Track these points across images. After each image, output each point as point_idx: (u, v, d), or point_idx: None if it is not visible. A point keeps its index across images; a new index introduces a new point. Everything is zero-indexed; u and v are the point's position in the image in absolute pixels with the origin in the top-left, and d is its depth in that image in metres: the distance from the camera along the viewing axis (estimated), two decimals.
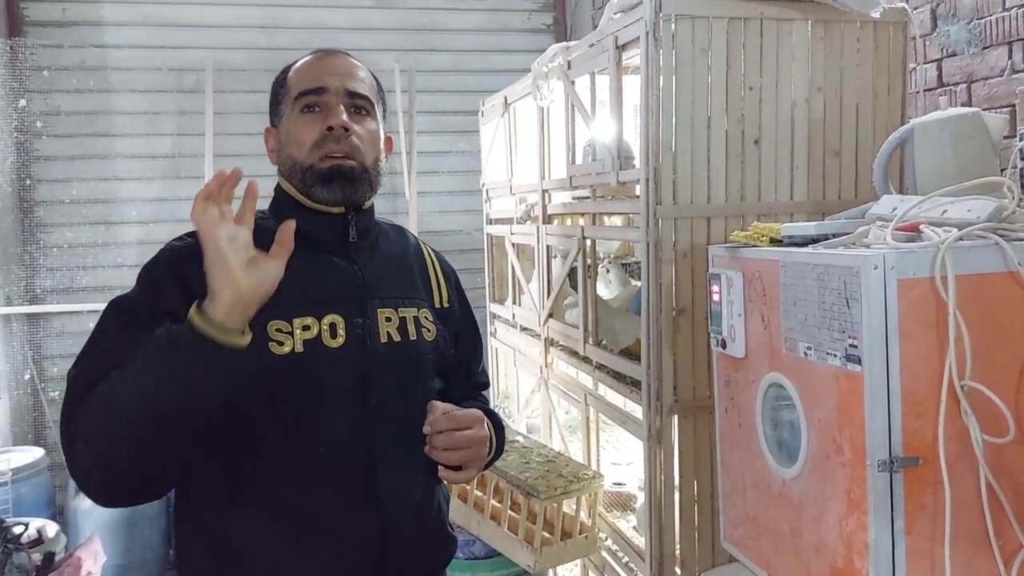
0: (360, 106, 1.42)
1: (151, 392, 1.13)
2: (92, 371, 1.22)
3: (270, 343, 1.30)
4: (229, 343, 1.13)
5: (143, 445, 1.16)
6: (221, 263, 1.13)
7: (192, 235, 1.36)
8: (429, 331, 1.47)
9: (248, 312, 1.15)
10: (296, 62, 1.47)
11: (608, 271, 3.18)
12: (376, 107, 1.46)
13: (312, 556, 1.33)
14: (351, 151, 1.38)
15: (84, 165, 4.61)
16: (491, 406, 1.68)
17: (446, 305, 1.56)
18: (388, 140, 1.52)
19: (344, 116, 1.38)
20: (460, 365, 1.60)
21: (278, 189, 1.47)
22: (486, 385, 1.71)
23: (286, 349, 1.31)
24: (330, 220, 1.42)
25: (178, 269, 1.31)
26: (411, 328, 1.44)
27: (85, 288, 4.60)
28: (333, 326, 1.35)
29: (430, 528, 1.49)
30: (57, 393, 4.55)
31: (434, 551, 1.51)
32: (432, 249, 1.63)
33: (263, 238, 1.35)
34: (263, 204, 1.47)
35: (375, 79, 1.50)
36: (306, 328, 1.33)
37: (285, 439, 1.32)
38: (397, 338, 1.41)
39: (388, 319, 1.42)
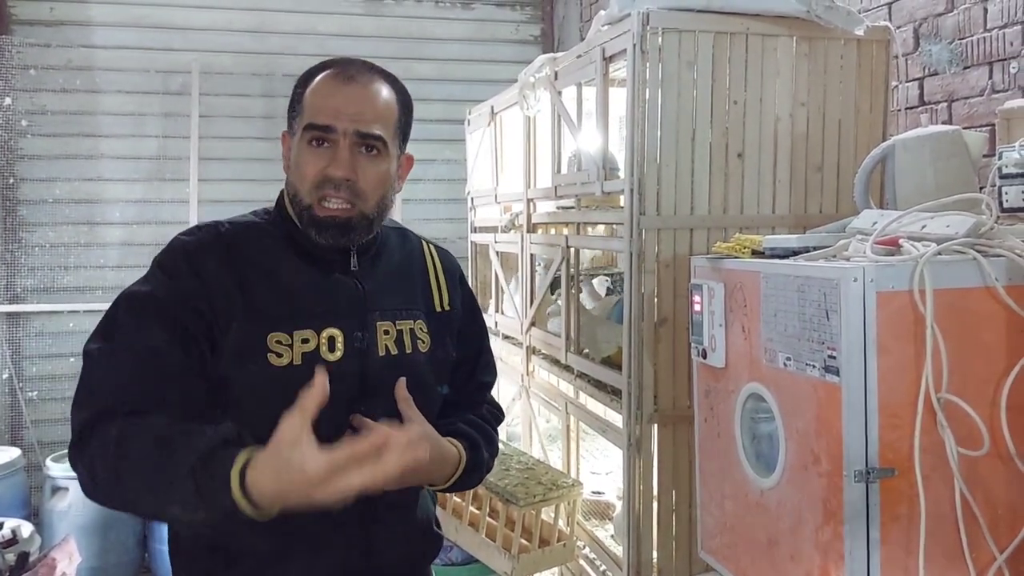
0: (371, 145, 1.35)
1: (165, 512, 1.22)
2: (106, 369, 1.26)
3: (269, 355, 1.31)
4: (258, 516, 1.14)
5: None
6: (315, 490, 1.11)
7: (203, 228, 1.39)
8: (424, 343, 1.46)
9: None
10: (317, 75, 1.38)
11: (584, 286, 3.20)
12: (391, 144, 1.38)
13: (296, 558, 1.35)
14: (351, 199, 1.34)
15: (68, 165, 4.57)
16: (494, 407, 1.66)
17: (447, 308, 1.53)
18: (408, 160, 1.47)
19: (347, 167, 1.32)
20: (462, 364, 1.57)
21: (281, 202, 1.43)
22: (489, 385, 1.67)
23: (284, 361, 1.31)
24: (332, 248, 1.39)
25: (194, 260, 1.33)
26: (407, 340, 1.43)
27: (66, 288, 4.56)
28: (332, 340, 1.35)
29: (415, 530, 1.49)
30: (35, 393, 4.52)
31: (419, 552, 1.52)
32: (435, 247, 1.59)
33: (268, 245, 1.39)
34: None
35: (400, 99, 1.41)
36: (305, 341, 1.33)
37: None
38: (394, 351, 1.41)
39: (387, 332, 1.41)
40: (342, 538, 1.37)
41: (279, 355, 1.31)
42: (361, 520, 1.38)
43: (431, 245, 1.59)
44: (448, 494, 2.86)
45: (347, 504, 1.35)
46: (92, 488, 1.23)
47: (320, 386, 1.14)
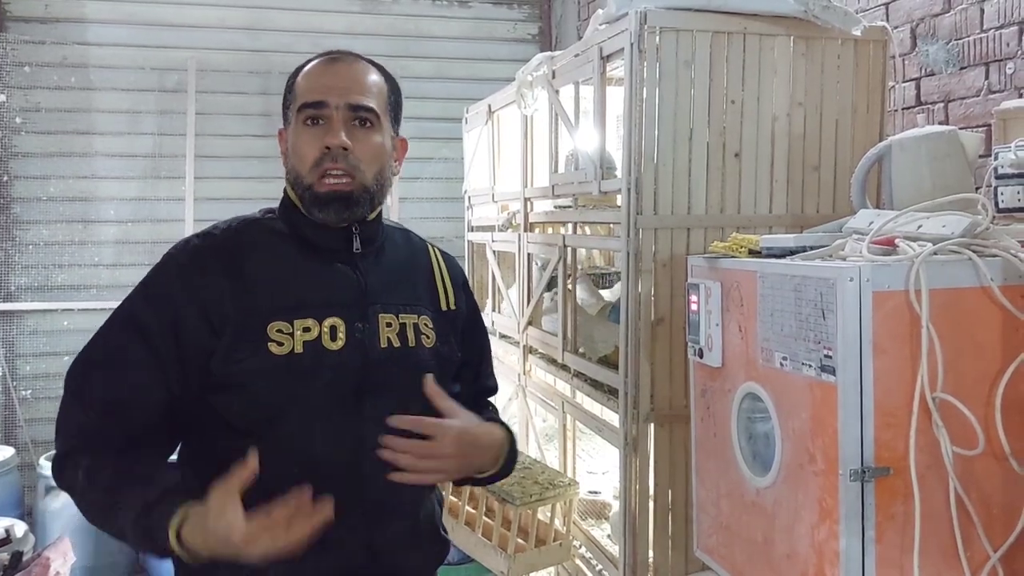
0: (363, 118, 1.38)
1: (119, 535, 1.30)
2: (80, 408, 1.32)
3: (269, 343, 1.31)
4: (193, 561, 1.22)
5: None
6: (233, 547, 1.17)
7: (198, 237, 1.40)
8: (428, 338, 1.46)
9: None
10: (305, 65, 1.43)
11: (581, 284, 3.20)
12: (383, 117, 1.41)
13: (302, 559, 1.31)
14: (350, 170, 1.35)
15: (63, 162, 4.56)
16: (499, 414, 1.66)
17: (452, 307, 1.54)
18: (402, 143, 1.49)
19: (343, 135, 1.35)
20: (466, 366, 1.58)
21: (285, 196, 1.45)
22: (493, 390, 1.68)
23: (285, 350, 1.31)
24: (335, 232, 1.41)
25: (186, 275, 1.34)
26: (411, 334, 1.43)
27: (60, 286, 4.55)
28: (333, 329, 1.35)
29: (420, 532, 1.48)
30: (29, 392, 4.51)
31: (425, 555, 1.51)
32: (439, 251, 1.60)
33: (269, 240, 1.41)
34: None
35: (388, 81, 1.45)
36: (306, 330, 1.33)
37: (277, 439, 1.32)
38: (397, 343, 1.41)
39: (389, 324, 1.41)
40: (349, 539, 1.35)
41: (279, 344, 1.31)
42: (367, 522, 1.37)
43: (436, 248, 1.60)
44: (444, 492, 2.86)
45: (354, 505, 1.34)
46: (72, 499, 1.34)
47: (251, 465, 1.19)
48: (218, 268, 1.34)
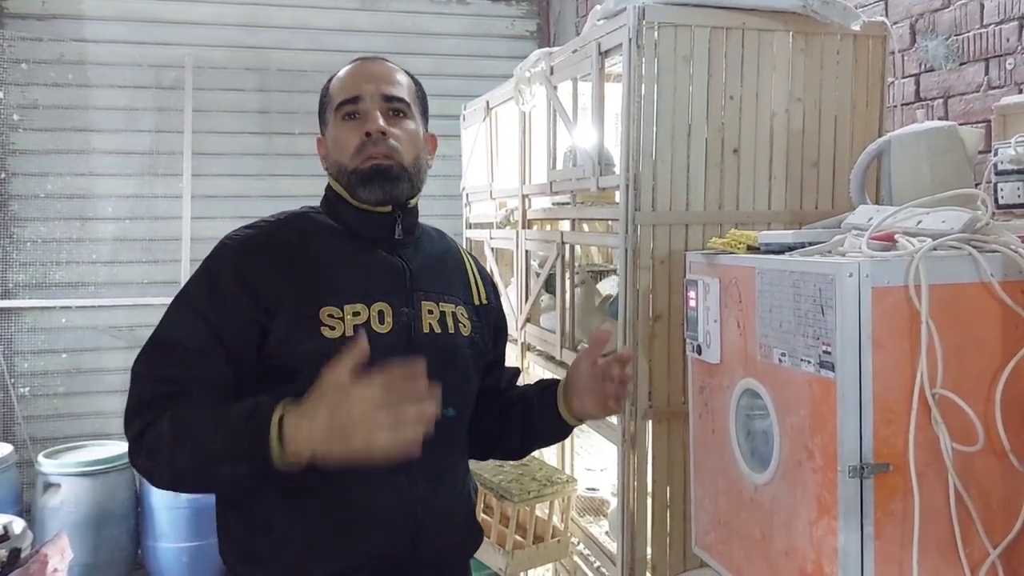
0: (397, 108, 1.49)
1: (214, 475, 1.28)
2: (153, 368, 1.34)
3: (322, 327, 1.36)
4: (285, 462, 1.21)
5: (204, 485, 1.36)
6: (348, 432, 1.16)
7: (248, 227, 1.47)
8: (465, 327, 1.53)
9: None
10: (337, 72, 1.54)
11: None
12: (414, 107, 1.53)
13: (350, 537, 1.37)
14: (390, 152, 1.46)
15: (60, 160, 4.57)
16: None
17: (485, 302, 1.63)
18: (432, 138, 1.62)
19: (380, 121, 1.45)
20: (502, 357, 1.69)
21: (329, 190, 1.55)
22: (519, 372, 1.83)
23: (337, 334, 1.36)
24: (379, 219, 1.50)
25: (240, 258, 1.40)
26: (450, 322, 1.50)
27: (58, 283, 4.55)
28: (381, 313, 1.42)
29: (461, 514, 1.54)
30: (27, 389, 4.51)
31: (464, 538, 1.56)
32: (468, 252, 1.70)
33: (316, 230, 1.49)
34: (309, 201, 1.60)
35: (413, 81, 1.58)
36: (356, 314, 1.39)
37: None
38: (438, 329, 1.48)
39: (430, 311, 1.48)
40: (393, 521, 1.40)
41: (332, 328, 1.37)
42: (413, 502, 1.41)
43: (464, 249, 1.70)
44: None
45: (400, 479, 1.39)
46: (154, 473, 1.32)
47: (361, 346, 1.17)
48: (269, 255, 1.41)
